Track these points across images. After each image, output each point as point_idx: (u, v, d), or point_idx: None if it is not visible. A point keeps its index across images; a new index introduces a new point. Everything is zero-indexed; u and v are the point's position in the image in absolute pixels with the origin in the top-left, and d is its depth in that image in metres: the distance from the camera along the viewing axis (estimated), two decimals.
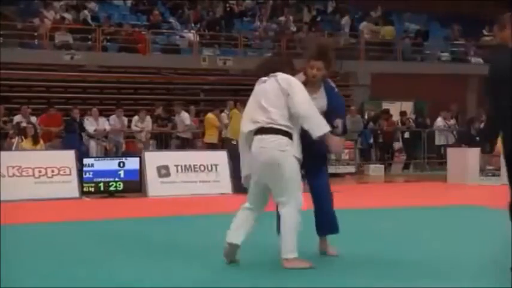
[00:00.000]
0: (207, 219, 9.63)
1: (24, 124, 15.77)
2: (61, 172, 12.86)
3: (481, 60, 26.36)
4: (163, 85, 22.63)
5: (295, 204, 5.63)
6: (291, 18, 25.61)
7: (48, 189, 12.50)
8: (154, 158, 13.59)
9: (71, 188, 12.77)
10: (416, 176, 18.87)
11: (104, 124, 17.91)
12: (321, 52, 5.99)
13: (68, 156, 13.23)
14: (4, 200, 11.30)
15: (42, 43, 21.45)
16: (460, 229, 8.49)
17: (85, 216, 10.32)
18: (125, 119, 18.48)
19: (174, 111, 19.08)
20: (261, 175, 5.72)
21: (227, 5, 25.79)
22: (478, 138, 17.59)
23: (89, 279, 5.43)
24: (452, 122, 20.88)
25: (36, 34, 21.62)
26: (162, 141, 18.53)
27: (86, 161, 13.45)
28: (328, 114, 5.89)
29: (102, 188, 13.16)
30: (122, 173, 13.30)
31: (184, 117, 18.35)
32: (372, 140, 20.42)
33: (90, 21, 22.56)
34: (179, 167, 13.38)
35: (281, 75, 5.77)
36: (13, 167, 12.54)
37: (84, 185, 13.03)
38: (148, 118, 18.38)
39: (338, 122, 5.96)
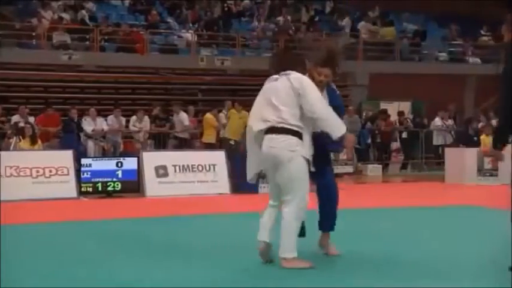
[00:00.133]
0: (205, 219, 9.64)
1: (22, 124, 15.76)
2: (59, 172, 12.85)
3: (478, 60, 26.40)
4: (161, 85, 22.61)
5: (298, 203, 5.63)
6: (289, 18, 25.60)
7: (46, 189, 12.49)
8: (152, 158, 13.59)
9: (69, 188, 12.77)
10: (414, 176, 18.88)
11: (102, 124, 17.89)
12: (329, 58, 6.02)
13: (66, 156, 13.23)
14: (2, 200, 11.28)
15: (40, 43, 21.42)
16: (459, 229, 8.49)
17: (83, 216, 10.32)
18: (123, 119, 18.46)
19: (172, 111, 19.08)
20: (271, 173, 5.77)
21: (225, 5, 25.76)
22: (475, 138, 17.63)
23: (89, 279, 5.43)
24: (451, 122, 20.89)
25: (34, 34, 21.58)
26: (160, 141, 18.53)
27: (83, 161, 13.44)
28: None
29: (100, 188, 13.15)
30: (119, 173, 13.29)
31: (183, 118, 18.34)
32: (369, 140, 20.43)
33: (88, 21, 22.54)
34: (177, 167, 13.37)
35: (294, 74, 5.78)
36: (11, 167, 12.54)
37: (82, 185, 13.02)
38: (146, 118, 18.38)
39: None
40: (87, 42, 22.09)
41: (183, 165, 13.40)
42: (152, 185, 13.10)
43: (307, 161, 5.72)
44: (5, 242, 6.97)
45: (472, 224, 9.12)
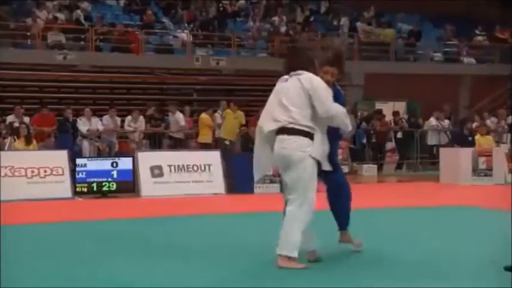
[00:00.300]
0: (201, 219, 9.64)
1: (17, 124, 15.72)
2: (54, 172, 12.83)
3: (473, 61, 26.45)
4: (156, 85, 22.61)
5: (301, 203, 5.63)
6: (284, 18, 25.61)
7: (40, 190, 12.47)
8: (147, 158, 13.57)
9: (64, 188, 12.74)
10: (409, 176, 18.90)
11: (97, 124, 17.87)
12: (336, 58, 6.04)
13: (61, 156, 13.20)
14: None
15: (35, 43, 21.39)
16: (455, 229, 8.50)
17: (79, 216, 10.30)
18: (118, 119, 18.44)
19: (167, 111, 19.07)
20: (283, 173, 5.79)
21: (220, 5, 25.76)
22: (470, 138, 17.64)
23: (89, 279, 5.42)
24: (447, 122, 20.92)
25: (28, 34, 21.55)
26: (155, 141, 18.51)
27: (78, 161, 13.42)
28: None
29: (95, 188, 13.13)
30: (115, 173, 13.27)
31: (179, 118, 18.34)
32: (365, 140, 20.44)
33: (83, 21, 22.51)
34: (172, 167, 13.36)
35: (304, 75, 5.79)
36: (5, 167, 12.50)
37: (77, 185, 13.00)
38: (141, 118, 18.35)
39: None
40: (82, 42, 22.07)
41: (178, 165, 13.39)
42: (147, 185, 13.09)
43: (317, 161, 5.73)
44: (4, 242, 6.96)
45: (468, 223, 9.13)
